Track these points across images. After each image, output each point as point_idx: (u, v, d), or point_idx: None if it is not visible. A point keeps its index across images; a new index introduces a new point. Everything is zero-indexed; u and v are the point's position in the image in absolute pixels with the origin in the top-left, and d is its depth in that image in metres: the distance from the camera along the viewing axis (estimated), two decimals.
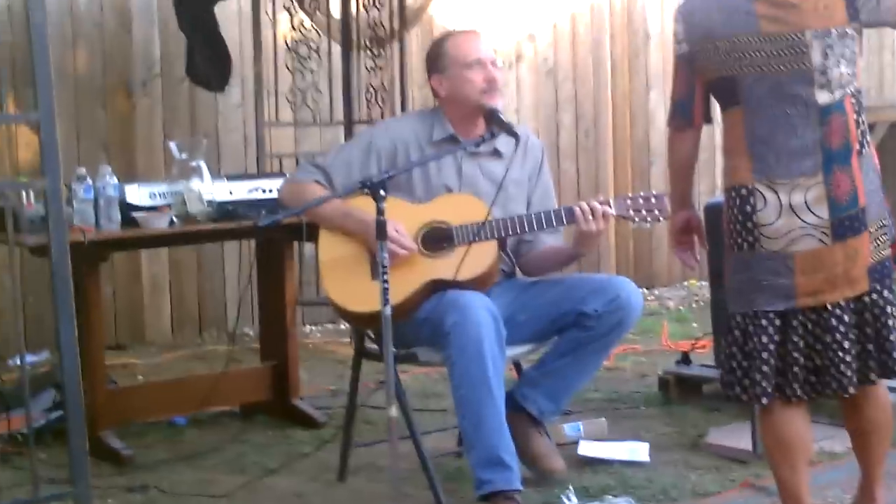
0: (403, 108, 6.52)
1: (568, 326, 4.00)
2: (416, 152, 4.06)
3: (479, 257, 3.85)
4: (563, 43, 8.53)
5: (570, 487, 3.90)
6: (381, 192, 3.42)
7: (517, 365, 4.29)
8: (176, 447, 4.69)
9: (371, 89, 6.73)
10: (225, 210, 4.57)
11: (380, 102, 6.71)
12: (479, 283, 3.87)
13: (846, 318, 3.20)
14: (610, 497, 3.85)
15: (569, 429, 4.57)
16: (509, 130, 3.93)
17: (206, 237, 5.40)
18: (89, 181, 4.34)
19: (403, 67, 6.69)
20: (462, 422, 3.74)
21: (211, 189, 4.57)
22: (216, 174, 4.99)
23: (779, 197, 3.22)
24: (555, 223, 3.97)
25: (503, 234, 3.94)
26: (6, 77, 3.27)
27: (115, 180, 4.42)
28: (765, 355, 3.19)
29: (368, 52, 6.74)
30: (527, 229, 3.97)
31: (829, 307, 3.21)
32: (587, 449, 4.37)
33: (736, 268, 3.25)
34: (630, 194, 4.16)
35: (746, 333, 3.23)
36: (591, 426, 4.63)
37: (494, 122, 3.96)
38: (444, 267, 3.87)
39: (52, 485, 3.76)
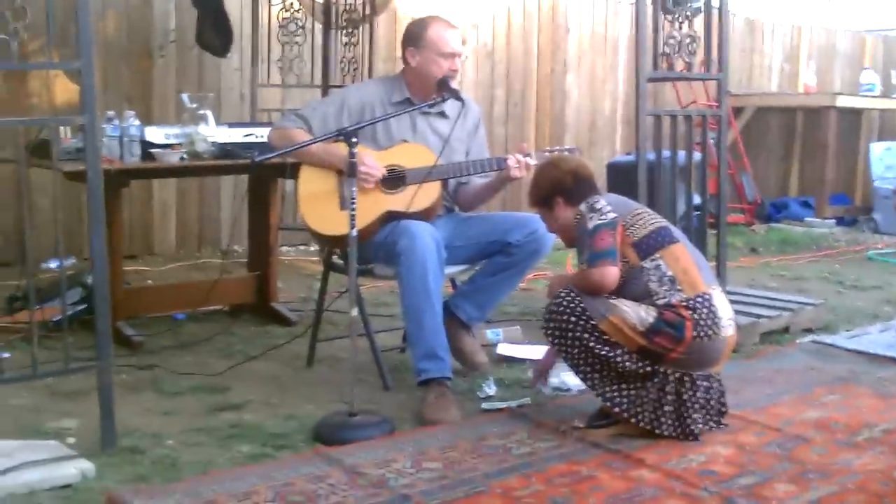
0: (370, 76, 6.50)
1: (495, 252, 4.03)
2: (379, 110, 4.01)
3: (427, 194, 3.85)
4: (500, 32, 8.54)
5: (490, 378, 3.96)
6: (354, 139, 3.41)
7: (453, 281, 4.32)
8: (177, 337, 4.70)
9: (345, 60, 6.70)
10: (224, 150, 4.54)
11: (351, 71, 6.69)
12: (425, 215, 3.87)
13: None
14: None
15: (491, 333, 4.64)
16: (457, 96, 3.95)
17: (210, 171, 5.38)
18: (116, 122, 4.30)
19: (371, 44, 6.67)
20: (407, 324, 3.76)
21: (214, 133, 4.55)
22: (218, 122, 4.96)
23: (719, 295, 3.32)
24: (488, 170, 4.01)
25: (446, 177, 3.96)
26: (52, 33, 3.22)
27: (137, 122, 4.37)
28: (665, 399, 3.22)
29: (344, 30, 6.71)
30: (464, 174, 3.99)
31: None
32: (504, 349, 4.44)
33: (690, 351, 3.19)
34: (549, 147, 4.22)
35: (666, 385, 3.22)
36: (508, 332, 4.69)
37: (445, 88, 3.96)
38: (398, 201, 3.86)
39: (78, 361, 3.77)
